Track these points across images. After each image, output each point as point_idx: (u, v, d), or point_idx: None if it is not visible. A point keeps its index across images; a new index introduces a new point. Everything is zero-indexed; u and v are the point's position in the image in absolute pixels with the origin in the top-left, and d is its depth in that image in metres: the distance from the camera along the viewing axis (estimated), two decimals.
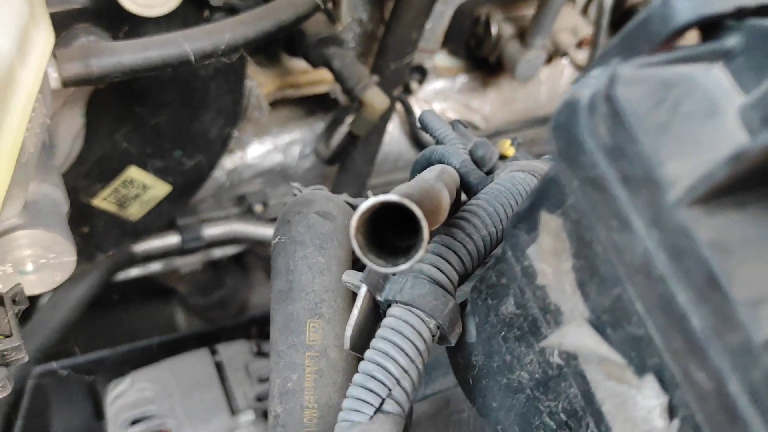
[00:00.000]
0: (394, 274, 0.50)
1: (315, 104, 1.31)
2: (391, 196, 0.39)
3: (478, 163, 0.69)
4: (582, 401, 0.40)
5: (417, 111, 1.38)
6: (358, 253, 0.40)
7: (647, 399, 0.35)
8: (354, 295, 0.60)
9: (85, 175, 0.96)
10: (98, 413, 1.12)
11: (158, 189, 1.05)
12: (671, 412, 0.34)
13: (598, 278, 0.36)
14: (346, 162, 1.26)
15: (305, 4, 0.83)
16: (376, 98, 1.07)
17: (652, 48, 0.32)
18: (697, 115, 0.29)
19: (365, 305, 0.50)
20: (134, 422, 0.98)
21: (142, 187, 1.03)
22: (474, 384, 0.52)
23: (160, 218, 1.12)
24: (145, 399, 0.99)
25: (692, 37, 0.37)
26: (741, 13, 0.32)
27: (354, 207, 0.71)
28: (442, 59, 1.41)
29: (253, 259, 1.63)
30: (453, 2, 1.28)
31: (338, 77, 1.08)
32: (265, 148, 1.31)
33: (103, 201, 1.01)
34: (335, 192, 0.70)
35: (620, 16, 1.39)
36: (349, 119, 1.26)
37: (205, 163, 1.09)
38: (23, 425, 1.08)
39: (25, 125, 0.57)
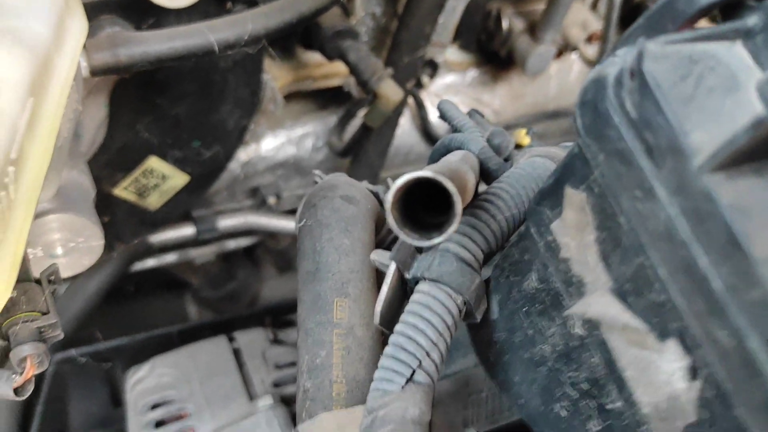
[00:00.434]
0: (421, 251, 0.53)
1: (328, 98, 1.33)
2: (426, 172, 0.41)
3: (494, 151, 0.71)
4: (604, 369, 0.42)
5: (428, 105, 1.40)
6: (394, 227, 0.42)
7: (669, 362, 0.37)
8: (379, 277, 0.63)
9: (107, 164, 0.98)
10: (115, 400, 1.14)
11: (177, 179, 1.08)
12: (693, 373, 0.36)
13: (621, 249, 0.38)
14: (359, 154, 1.28)
15: None
16: (390, 90, 1.09)
17: (677, 27, 0.34)
18: (719, 89, 0.31)
19: (394, 282, 0.52)
20: (154, 407, 1.00)
21: (161, 177, 1.05)
22: (496, 360, 0.54)
23: (178, 208, 1.14)
24: (164, 384, 1.01)
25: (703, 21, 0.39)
26: None
27: (374, 193, 0.73)
28: (453, 54, 1.43)
29: (263, 253, 1.65)
30: None
31: (353, 69, 1.10)
32: (279, 141, 1.33)
33: (124, 190, 1.04)
34: None
35: (629, 11, 1.41)
36: (361, 112, 1.28)
37: (222, 154, 1.11)
38: (42, 411, 1.10)
39: (62, 111, 0.59)
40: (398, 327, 0.49)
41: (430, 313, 0.49)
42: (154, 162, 1.02)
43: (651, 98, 0.32)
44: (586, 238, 0.40)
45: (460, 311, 0.51)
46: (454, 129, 0.77)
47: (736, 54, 0.33)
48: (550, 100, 1.53)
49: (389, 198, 0.42)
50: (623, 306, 0.38)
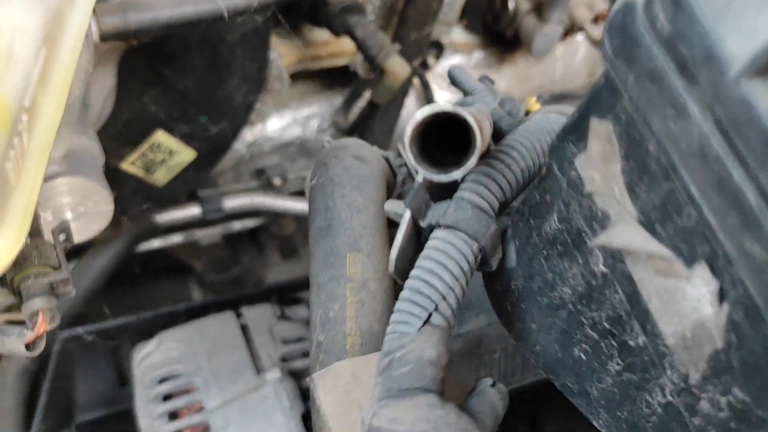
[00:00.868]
0: (435, 200, 0.52)
1: (334, 78, 1.33)
2: (445, 106, 0.41)
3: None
4: (627, 305, 0.42)
5: (434, 86, 1.40)
6: (412, 161, 0.42)
7: (697, 288, 0.36)
8: (392, 233, 0.62)
9: (115, 137, 0.97)
10: (122, 379, 1.14)
11: (184, 155, 1.07)
12: (721, 296, 0.35)
13: (649, 176, 0.37)
14: (365, 133, 1.28)
15: None
16: (397, 66, 1.09)
17: None
18: (755, 2, 0.31)
19: (408, 230, 0.52)
20: (161, 381, 1.00)
21: (168, 152, 1.05)
22: (513, 310, 0.54)
23: (184, 185, 1.14)
24: (172, 359, 1.01)
25: None
26: None
27: (385, 158, 0.73)
28: (459, 35, 1.42)
29: (268, 238, 1.65)
30: None
31: (360, 45, 1.10)
32: (285, 122, 1.33)
33: (131, 165, 1.03)
34: None
35: None
36: (367, 92, 1.28)
37: (229, 130, 1.11)
38: (49, 388, 1.10)
39: (73, 67, 0.59)
40: (414, 272, 0.49)
41: (446, 257, 0.48)
42: (161, 136, 1.02)
43: (684, 11, 0.32)
44: (611, 168, 0.39)
45: (475, 258, 0.50)
46: (465, 93, 0.76)
47: None
48: (556, 82, 1.53)
49: (408, 132, 0.41)
50: (649, 235, 0.38)
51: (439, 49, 1.41)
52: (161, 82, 0.96)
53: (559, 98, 1.55)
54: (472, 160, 0.42)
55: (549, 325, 0.49)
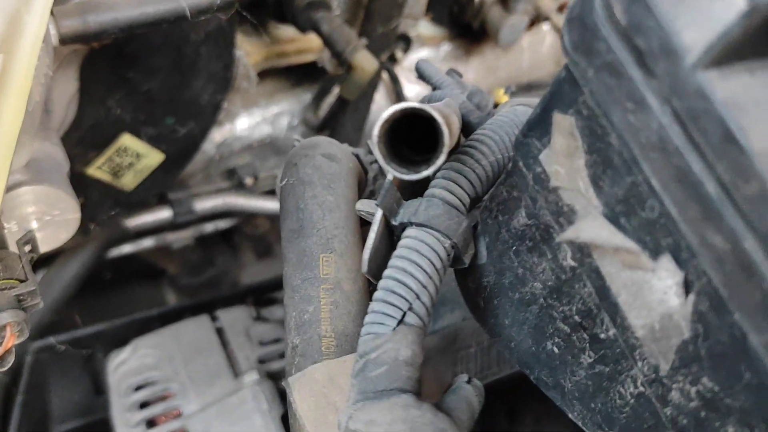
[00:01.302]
0: (407, 198, 0.52)
1: (302, 74, 1.32)
2: (412, 103, 0.41)
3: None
4: (596, 298, 0.42)
5: (402, 80, 1.40)
6: (382, 162, 0.42)
7: (663, 280, 0.37)
8: (364, 231, 0.62)
9: (79, 142, 0.96)
10: (97, 388, 1.12)
11: (152, 158, 1.06)
12: (687, 287, 0.35)
13: (612, 170, 0.38)
14: (336, 129, 1.27)
15: None
16: (365, 61, 1.08)
17: None
18: None
19: (380, 230, 0.52)
20: (137, 388, 0.99)
21: (135, 156, 1.04)
22: (486, 306, 0.54)
23: (153, 189, 1.13)
24: (147, 365, 1.00)
25: None
26: None
27: (356, 155, 0.72)
28: (426, 28, 1.42)
29: (242, 238, 1.64)
30: None
31: (327, 41, 1.09)
32: (254, 120, 1.32)
33: (98, 170, 1.02)
34: None
35: None
36: (336, 88, 1.27)
37: (197, 131, 1.09)
38: (23, 401, 1.08)
39: (33, 70, 0.58)
40: (387, 272, 0.49)
41: (419, 256, 0.48)
42: (127, 140, 1.01)
43: (641, 1, 0.32)
44: (575, 163, 0.39)
45: (448, 255, 0.50)
46: (434, 87, 0.76)
47: None
48: (524, 72, 1.54)
49: (375, 131, 0.41)
50: (615, 228, 0.38)
51: (406, 42, 1.40)
52: (125, 85, 0.95)
53: (527, 88, 1.56)
54: (441, 158, 0.42)
55: (522, 320, 0.49)
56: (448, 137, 0.41)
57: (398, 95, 1.40)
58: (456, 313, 0.68)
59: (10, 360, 0.57)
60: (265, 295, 1.25)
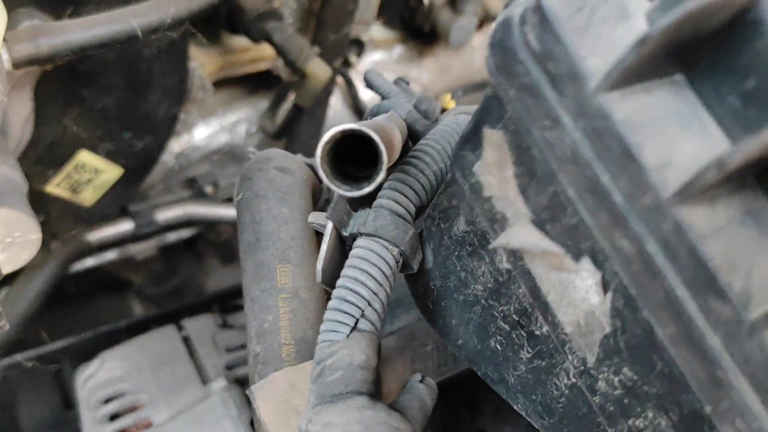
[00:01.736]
0: (356, 209, 0.55)
1: (257, 82, 1.34)
2: (351, 125, 0.44)
3: (423, 116, 0.74)
4: (530, 298, 0.46)
5: (357, 84, 1.42)
6: (325, 180, 0.44)
7: (584, 280, 0.40)
8: (318, 241, 0.65)
9: (37, 161, 0.97)
10: (66, 403, 1.13)
11: (110, 172, 1.07)
12: (605, 286, 0.39)
13: (536, 180, 0.41)
14: (293, 136, 1.30)
15: None
16: (318, 69, 1.11)
17: None
18: (611, 19, 0.34)
19: (332, 241, 0.55)
20: (107, 401, 1.00)
21: (94, 171, 1.05)
22: (434, 307, 0.57)
23: (114, 202, 1.14)
24: (116, 377, 1.01)
25: None
26: None
27: (309, 165, 0.75)
28: (378, 31, 1.45)
29: (205, 245, 1.65)
30: None
31: (280, 51, 1.11)
32: (212, 129, 1.33)
33: (57, 187, 1.02)
34: None
35: None
36: (291, 95, 1.29)
37: (155, 144, 1.11)
38: None
39: None
40: (340, 281, 0.52)
41: (369, 265, 0.51)
42: (85, 156, 1.02)
43: (550, 31, 0.35)
44: (505, 174, 0.43)
45: (397, 262, 0.53)
46: (382, 97, 0.79)
47: None
48: (476, 71, 1.57)
49: (318, 151, 0.44)
50: (541, 233, 0.42)
51: (359, 46, 1.43)
52: (81, 103, 0.96)
53: (479, 86, 1.60)
54: (381, 176, 0.45)
55: (467, 320, 0.53)
56: (386, 156, 0.44)
57: (354, 99, 1.43)
58: (411, 313, 0.71)
59: None
60: (230, 302, 1.27)
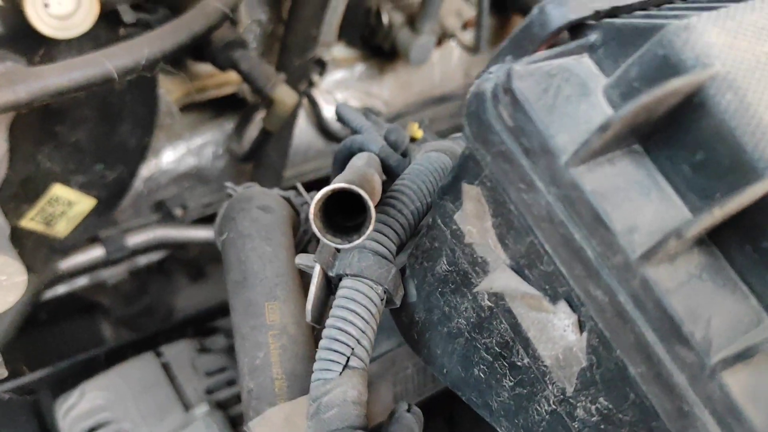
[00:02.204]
0: (338, 250, 0.58)
1: (223, 105, 1.36)
2: (342, 184, 0.47)
3: (392, 146, 0.77)
4: (511, 333, 0.50)
5: (321, 102, 1.45)
6: (319, 234, 0.48)
7: (561, 320, 0.44)
8: (302, 276, 0.68)
9: (11, 198, 0.97)
10: None
11: (83, 204, 1.08)
12: (581, 326, 0.43)
13: (514, 231, 0.45)
14: (261, 158, 1.32)
15: (215, 14, 0.88)
16: (286, 95, 1.14)
17: (535, 47, 0.42)
18: (574, 96, 0.39)
19: (320, 282, 0.58)
20: (90, 431, 1.01)
21: (67, 204, 1.06)
22: (419, 338, 0.61)
23: (87, 232, 1.15)
24: (98, 407, 1.02)
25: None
26: (598, 15, 0.42)
27: (286, 199, 0.78)
28: (340, 51, 1.48)
29: (173, 264, 1.65)
30: None
31: (247, 78, 1.13)
32: (179, 153, 1.34)
33: (31, 221, 1.03)
34: None
35: None
36: (257, 116, 1.31)
37: (127, 173, 1.12)
38: None
39: None
40: (329, 321, 0.55)
41: (356, 304, 0.55)
42: (58, 190, 1.03)
43: (522, 110, 0.39)
44: (484, 224, 0.47)
45: (381, 299, 0.57)
46: (353, 131, 0.83)
47: (585, 65, 0.41)
48: (436, 86, 1.62)
49: (312, 209, 0.47)
50: (520, 278, 0.46)
51: (321, 66, 1.46)
52: (54, 139, 0.97)
53: (440, 101, 1.65)
54: (370, 228, 0.49)
55: (451, 350, 0.57)
56: (374, 211, 0.48)
57: (318, 117, 1.46)
58: (392, 339, 0.75)
59: None
60: (205, 325, 1.29)
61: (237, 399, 1.07)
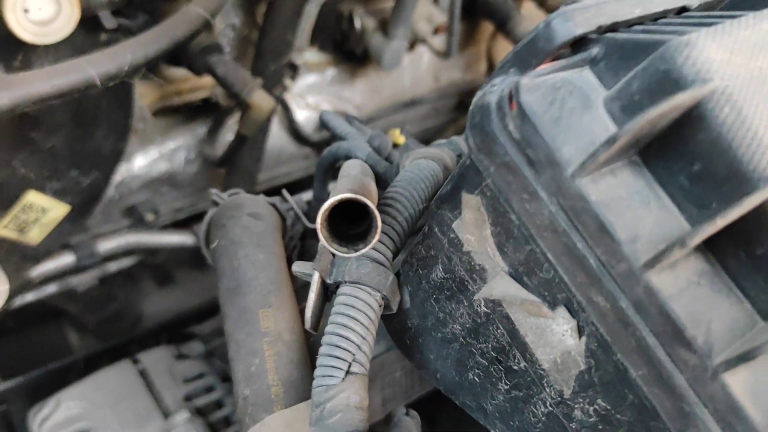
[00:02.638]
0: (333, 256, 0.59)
1: (195, 109, 1.35)
2: (349, 195, 0.48)
3: (375, 151, 0.79)
4: (508, 338, 0.51)
5: (293, 106, 1.46)
6: (325, 244, 0.49)
7: (560, 325, 0.46)
8: (295, 284, 0.69)
9: None
10: None
11: (57, 210, 1.06)
12: (579, 331, 0.45)
13: (514, 240, 0.47)
14: (236, 162, 1.32)
15: (197, 20, 0.88)
16: (262, 100, 1.14)
17: (540, 60, 0.43)
18: (578, 108, 0.41)
19: (318, 289, 0.59)
20: None
21: (41, 211, 1.04)
22: (411, 343, 0.62)
23: (60, 239, 1.13)
24: (74, 416, 1.01)
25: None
26: (600, 30, 0.44)
27: (274, 206, 0.79)
28: (312, 55, 1.49)
29: (140, 269, 1.63)
30: (317, 0, 1.36)
31: (223, 83, 1.13)
32: (151, 158, 1.33)
33: (4, 229, 1.01)
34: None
35: (470, 2, 1.53)
36: (230, 120, 1.31)
37: (101, 179, 1.11)
38: None
39: None
40: (330, 327, 0.56)
41: (356, 311, 0.56)
42: (32, 196, 1.01)
43: (529, 123, 0.41)
44: (483, 233, 0.48)
45: (380, 306, 0.58)
46: (338, 137, 0.84)
47: (585, 78, 0.43)
48: (407, 90, 1.64)
49: (319, 220, 0.48)
50: (519, 285, 0.48)
51: (294, 70, 1.46)
52: (29, 145, 0.96)
53: (410, 104, 1.67)
54: (376, 237, 0.50)
55: (445, 355, 0.58)
56: (379, 219, 0.49)
57: (290, 121, 1.46)
58: (381, 343, 0.76)
59: None
60: (179, 331, 1.28)
61: (216, 405, 1.07)
